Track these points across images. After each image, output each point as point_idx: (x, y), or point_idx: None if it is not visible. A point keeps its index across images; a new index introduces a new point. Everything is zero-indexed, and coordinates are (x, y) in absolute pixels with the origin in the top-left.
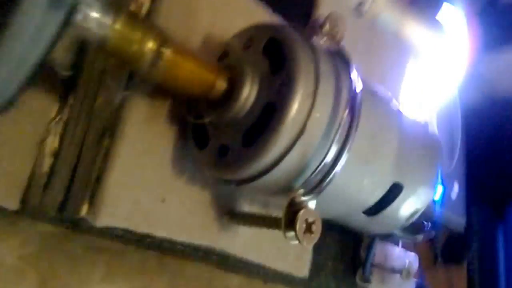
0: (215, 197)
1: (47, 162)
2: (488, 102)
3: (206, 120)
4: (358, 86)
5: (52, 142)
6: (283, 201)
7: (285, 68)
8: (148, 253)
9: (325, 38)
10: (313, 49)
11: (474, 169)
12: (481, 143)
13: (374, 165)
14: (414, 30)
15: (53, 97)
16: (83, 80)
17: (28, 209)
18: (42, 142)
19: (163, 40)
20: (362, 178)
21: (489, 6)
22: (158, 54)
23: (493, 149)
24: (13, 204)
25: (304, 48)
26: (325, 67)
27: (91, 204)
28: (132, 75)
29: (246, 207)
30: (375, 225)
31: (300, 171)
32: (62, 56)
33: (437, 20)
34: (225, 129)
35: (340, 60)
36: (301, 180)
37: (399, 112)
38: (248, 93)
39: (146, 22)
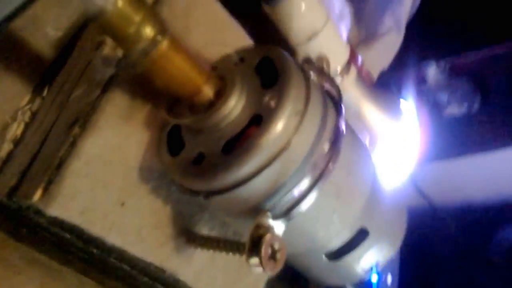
0: (176, 214)
1: (5, 148)
2: (425, 206)
3: (186, 120)
4: (343, 120)
5: (15, 130)
6: (246, 225)
7: (277, 83)
8: (86, 280)
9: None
10: (305, 72)
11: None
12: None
13: (346, 202)
14: (374, 113)
15: (28, 86)
16: (63, 73)
17: None
18: (4, 127)
19: (162, 29)
20: (332, 213)
21: (434, 117)
22: (153, 42)
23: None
24: None
25: (297, 69)
26: (315, 92)
27: (46, 190)
28: (115, 75)
29: (205, 231)
30: (333, 272)
31: (274, 190)
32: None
33: (399, 109)
34: (203, 136)
35: (328, 94)
36: (272, 201)
37: (374, 163)
38: (235, 103)
39: (149, 7)
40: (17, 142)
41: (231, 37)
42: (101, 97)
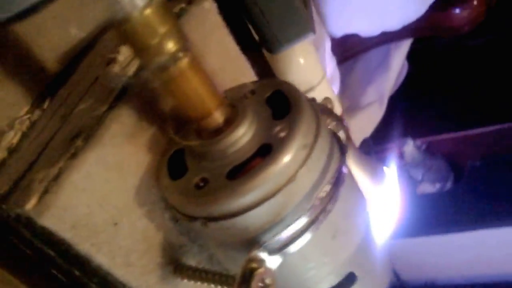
0: (166, 242)
1: None
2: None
3: (193, 143)
4: (346, 161)
5: (11, 138)
6: (238, 259)
7: (288, 115)
8: None
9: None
10: (315, 109)
11: None
12: None
13: (340, 244)
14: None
15: (28, 97)
16: (67, 86)
17: None
18: (1, 134)
19: (184, 46)
20: (325, 254)
21: (407, 194)
22: (174, 57)
23: None
24: None
25: (309, 105)
26: (324, 129)
27: (41, 199)
28: (123, 90)
29: (192, 264)
30: None
31: (273, 223)
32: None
33: (382, 173)
34: (208, 162)
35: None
36: (269, 235)
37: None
38: (245, 131)
39: (175, 21)
40: (12, 151)
41: (240, 70)
42: (107, 113)
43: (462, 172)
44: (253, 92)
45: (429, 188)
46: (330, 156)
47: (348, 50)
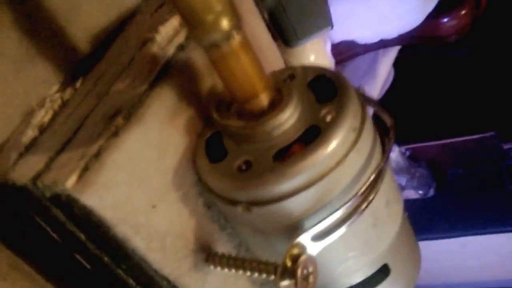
0: (199, 228)
1: (30, 133)
2: None
3: (237, 124)
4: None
5: (42, 117)
6: (278, 245)
7: (336, 99)
8: None
9: None
10: (359, 93)
11: None
12: None
13: (380, 232)
14: None
15: (59, 75)
16: (101, 65)
17: None
18: (30, 113)
19: (238, 25)
20: (365, 244)
21: None
22: (227, 36)
23: None
24: None
25: (354, 89)
26: (368, 113)
27: (81, 177)
28: (163, 70)
29: (222, 251)
30: None
31: (318, 208)
32: None
33: None
34: (251, 144)
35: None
36: (314, 220)
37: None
38: (291, 114)
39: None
40: (43, 129)
41: (272, 57)
42: (148, 92)
43: (445, 180)
44: (292, 76)
45: (412, 194)
46: (375, 141)
47: (337, 55)
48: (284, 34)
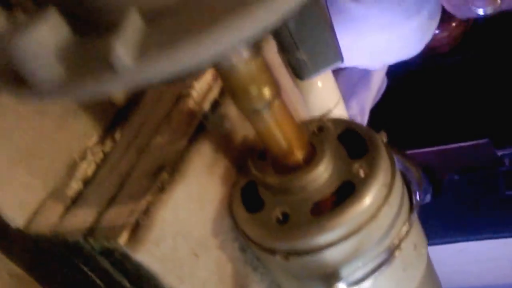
0: (235, 272)
1: (74, 186)
2: None
3: (274, 180)
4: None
5: (85, 169)
6: None
7: (367, 155)
8: None
9: None
10: (388, 148)
11: None
12: None
13: (409, 275)
14: None
15: (97, 126)
16: (136, 118)
17: (36, 229)
18: (73, 166)
19: (276, 92)
20: (395, 285)
21: None
22: (268, 104)
23: None
24: (19, 220)
25: (383, 143)
26: (397, 168)
27: (133, 234)
28: (201, 124)
29: None
30: None
31: (353, 258)
32: None
33: None
34: (287, 196)
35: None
36: (349, 269)
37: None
38: (325, 168)
39: (268, 67)
40: (87, 182)
41: (294, 98)
42: (189, 147)
43: (441, 185)
44: (321, 128)
45: None
46: (403, 192)
47: None
48: (296, 68)
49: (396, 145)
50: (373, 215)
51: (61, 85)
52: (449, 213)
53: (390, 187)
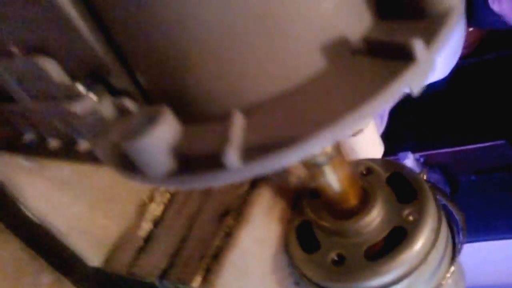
0: None
1: (145, 227)
2: None
3: (331, 225)
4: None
5: (154, 210)
6: None
7: (416, 200)
8: None
9: None
10: (433, 191)
11: None
12: None
13: None
14: None
15: None
16: None
17: (112, 268)
18: (143, 207)
19: (337, 148)
20: None
21: None
22: (330, 159)
23: None
24: (96, 259)
25: (429, 188)
26: (442, 213)
27: (205, 278)
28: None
29: None
30: None
31: None
32: None
33: None
34: (342, 239)
35: None
36: None
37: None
38: (377, 214)
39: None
40: (157, 223)
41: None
42: (250, 191)
43: (458, 186)
44: (369, 171)
45: None
46: (448, 235)
47: None
48: None
49: (416, 145)
50: (423, 259)
51: (172, 177)
52: (466, 213)
53: (437, 232)
